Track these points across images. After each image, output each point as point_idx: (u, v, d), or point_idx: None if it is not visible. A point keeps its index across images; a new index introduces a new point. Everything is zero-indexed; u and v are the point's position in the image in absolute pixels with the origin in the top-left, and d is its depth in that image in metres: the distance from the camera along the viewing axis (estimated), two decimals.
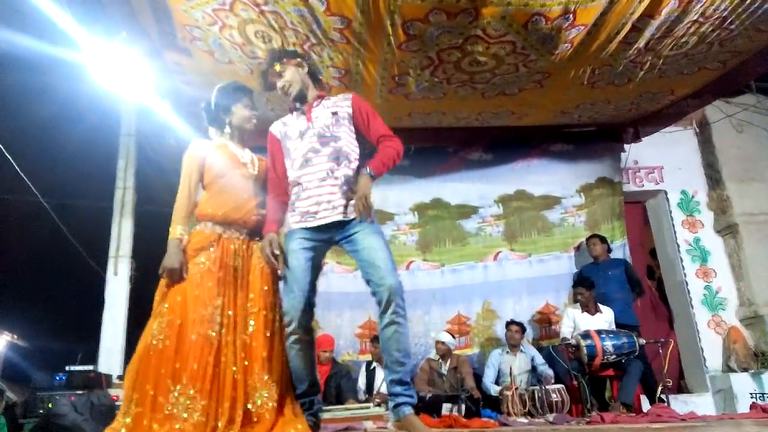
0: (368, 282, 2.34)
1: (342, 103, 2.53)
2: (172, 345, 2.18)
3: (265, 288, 2.39)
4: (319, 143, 2.41)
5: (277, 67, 2.54)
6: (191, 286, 2.28)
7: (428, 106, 5.02)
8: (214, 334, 2.23)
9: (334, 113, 2.47)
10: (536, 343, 5.62)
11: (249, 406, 2.22)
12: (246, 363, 2.26)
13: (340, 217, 2.34)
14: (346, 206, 2.34)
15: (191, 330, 2.21)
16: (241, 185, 2.49)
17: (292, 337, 2.33)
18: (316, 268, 2.40)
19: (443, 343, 5.12)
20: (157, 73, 4.42)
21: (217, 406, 2.17)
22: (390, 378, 2.32)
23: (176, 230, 2.34)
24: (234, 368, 2.23)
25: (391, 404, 2.34)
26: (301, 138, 2.46)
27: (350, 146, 2.46)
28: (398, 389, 2.31)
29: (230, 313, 2.30)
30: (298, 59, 2.59)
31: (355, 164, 2.43)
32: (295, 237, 2.40)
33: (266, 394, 2.24)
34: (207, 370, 2.17)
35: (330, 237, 2.41)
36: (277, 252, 2.34)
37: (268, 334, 2.33)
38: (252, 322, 2.32)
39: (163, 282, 2.32)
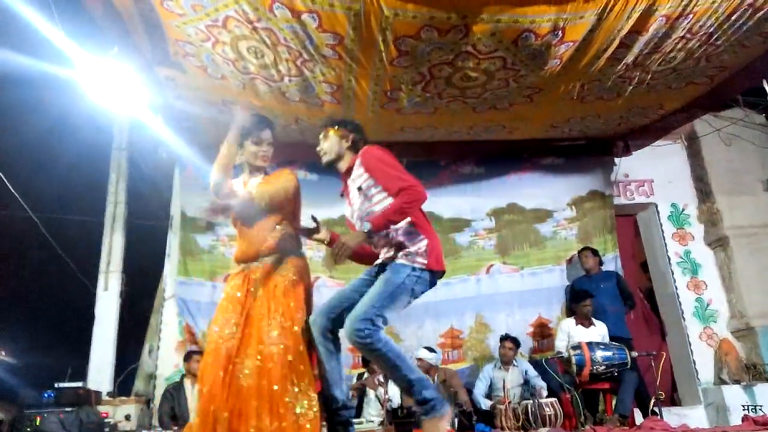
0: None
1: (359, 175, 2.58)
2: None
3: (292, 304, 2.47)
4: (363, 220, 2.53)
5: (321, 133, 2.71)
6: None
7: (420, 120, 5.05)
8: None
9: (359, 189, 2.56)
10: (530, 356, 5.61)
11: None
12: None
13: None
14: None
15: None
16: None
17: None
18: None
19: (421, 359, 5.06)
20: (150, 88, 4.43)
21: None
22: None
23: None
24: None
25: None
26: (352, 217, 2.68)
27: (385, 203, 2.52)
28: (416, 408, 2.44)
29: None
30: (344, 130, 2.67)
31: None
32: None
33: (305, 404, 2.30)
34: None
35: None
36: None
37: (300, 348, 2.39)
38: (275, 333, 2.37)
39: None
